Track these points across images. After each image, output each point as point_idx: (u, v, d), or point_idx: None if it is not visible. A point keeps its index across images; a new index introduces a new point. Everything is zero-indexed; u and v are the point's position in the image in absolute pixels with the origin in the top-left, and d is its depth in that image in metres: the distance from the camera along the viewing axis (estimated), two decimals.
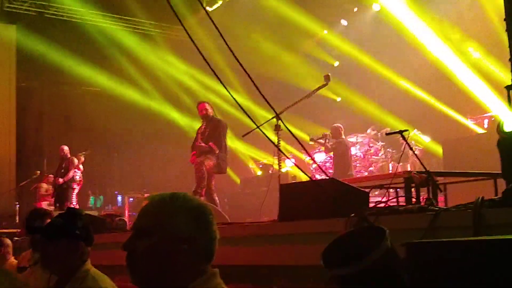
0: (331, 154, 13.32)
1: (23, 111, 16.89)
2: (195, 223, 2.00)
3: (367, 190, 4.54)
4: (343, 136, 12.37)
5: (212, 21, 4.35)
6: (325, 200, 4.23)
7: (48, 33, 16.06)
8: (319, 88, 7.94)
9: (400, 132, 5.00)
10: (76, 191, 13.36)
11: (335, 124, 12.41)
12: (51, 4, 16.33)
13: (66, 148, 13.68)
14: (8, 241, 7.17)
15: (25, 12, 16.18)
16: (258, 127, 3.94)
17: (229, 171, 11.32)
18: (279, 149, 5.33)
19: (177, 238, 1.96)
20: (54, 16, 16.52)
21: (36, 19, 16.17)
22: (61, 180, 13.14)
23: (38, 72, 16.43)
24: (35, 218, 5.27)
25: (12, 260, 6.99)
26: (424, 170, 4.87)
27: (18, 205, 15.56)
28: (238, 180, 16.09)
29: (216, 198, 9.77)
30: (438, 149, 12.60)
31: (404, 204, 4.64)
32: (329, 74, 7.76)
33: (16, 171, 16.11)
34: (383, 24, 16.13)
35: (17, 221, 14.75)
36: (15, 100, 16.36)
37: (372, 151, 12.87)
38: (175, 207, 2.01)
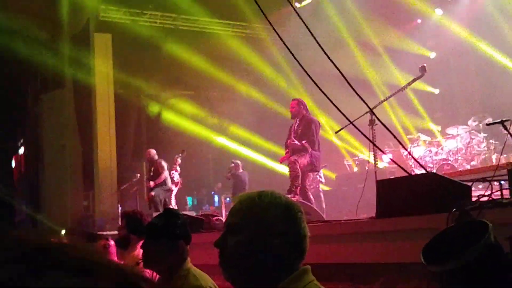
0: (430, 148, 12.92)
1: (121, 117, 17.42)
2: (284, 218, 2.00)
3: (469, 183, 4.36)
4: (241, 170, 15.39)
5: (301, 18, 4.32)
6: (425, 195, 4.11)
7: (141, 40, 16.54)
8: (415, 80, 7.77)
9: (502, 121, 4.78)
10: (174, 192, 13.50)
11: (235, 161, 15.65)
12: (144, 11, 16.82)
13: (152, 151, 13.73)
14: (112, 243, 7.40)
15: (120, 21, 16.71)
16: (351, 122, 3.85)
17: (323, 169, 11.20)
18: (375, 145, 5.20)
19: (268, 233, 1.97)
20: (148, 23, 16.99)
21: (130, 27, 16.65)
22: (152, 183, 13.24)
23: (133, 78, 16.89)
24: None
25: (116, 261, 7.22)
26: None
27: (120, 208, 16.06)
28: (333, 176, 15.88)
29: (311, 196, 9.71)
30: None
31: (509, 197, 4.42)
32: (425, 65, 7.57)
33: (117, 175, 16.69)
34: (481, 8, 15.54)
35: (120, 223, 15.16)
36: (114, 107, 16.95)
37: (474, 143, 12.35)
38: (263, 204, 2.02)
